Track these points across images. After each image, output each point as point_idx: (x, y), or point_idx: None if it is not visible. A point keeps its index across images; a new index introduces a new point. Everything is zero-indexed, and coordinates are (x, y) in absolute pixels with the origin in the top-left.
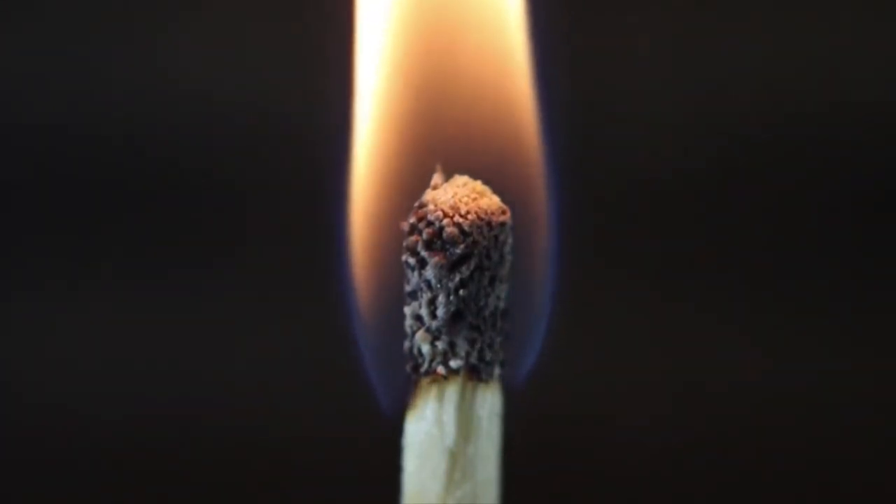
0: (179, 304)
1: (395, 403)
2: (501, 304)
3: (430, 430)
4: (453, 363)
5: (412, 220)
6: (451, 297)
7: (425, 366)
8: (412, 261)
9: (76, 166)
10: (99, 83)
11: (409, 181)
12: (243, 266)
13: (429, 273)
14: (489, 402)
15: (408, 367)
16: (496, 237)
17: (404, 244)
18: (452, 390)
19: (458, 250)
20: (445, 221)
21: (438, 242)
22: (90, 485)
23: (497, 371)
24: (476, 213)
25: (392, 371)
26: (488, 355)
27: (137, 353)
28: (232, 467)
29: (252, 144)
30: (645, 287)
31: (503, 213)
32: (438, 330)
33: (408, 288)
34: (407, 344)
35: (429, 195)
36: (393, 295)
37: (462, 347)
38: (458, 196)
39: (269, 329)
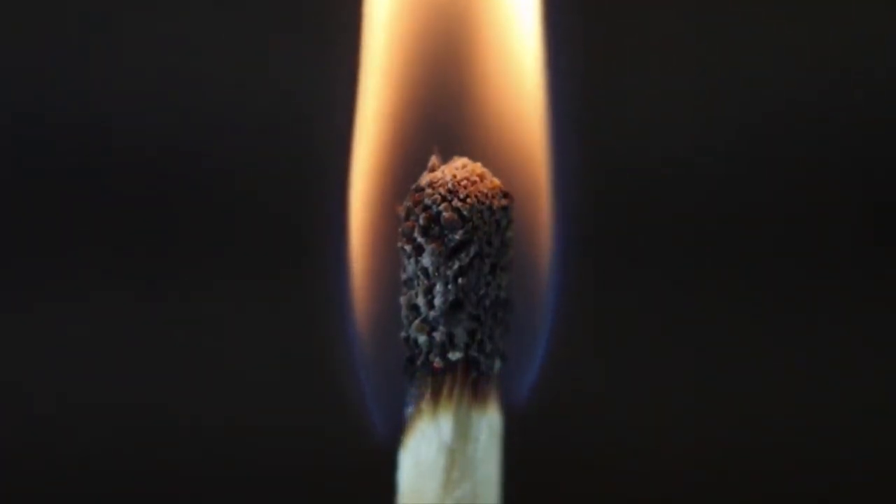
0: (166, 314)
1: (391, 404)
2: (503, 294)
3: (425, 428)
4: (451, 355)
5: (408, 204)
6: (450, 286)
7: (422, 358)
8: (408, 247)
9: (65, 164)
10: (87, 79)
11: (406, 163)
12: (234, 266)
13: (426, 260)
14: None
15: (404, 359)
16: (497, 222)
17: (400, 230)
18: (449, 397)
19: (457, 236)
20: (443, 206)
21: (436, 228)
22: (65, 483)
23: (497, 364)
24: (476, 196)
25: (387, 371)
26: (488, 347)
27: (120, 361)
28: (224, 471)
29: (244, 136)
30: (651, 290)
31: (505, 196)
32: (436, 320)
33: (404, 276)
34: (403, 334)
35: (426, 178)
36: (389, 285)
37: (461, 339)
38: (456, 179)
39: (263, 327)
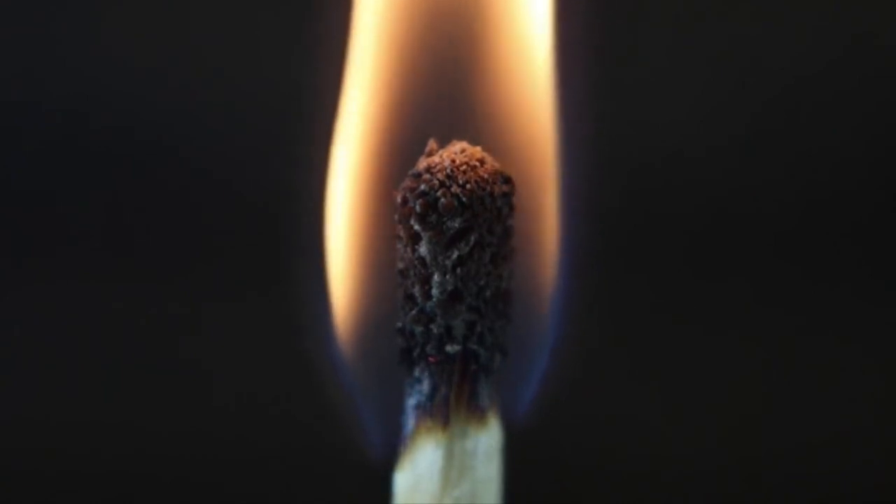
0: (151, 322)
1: (385, 401)
2: (504, 285)
3: (423, 424)
4: (449, 348)
5: (404, 190)
6: (448, 276)
7: (418, 350)
8: (404, 235)
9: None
10: (70, 77)
11: (403, 148)
12: (220, 273)
13: (423, 249)
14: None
15: (399, 351)
16: (499, 209)
17: (396, 217)
18: (447, 391)
19: (456, 224)
20: (441, 192)
21: (434, 215)
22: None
23: (498, 358)
24: (476, 182)
25: (381, 370)
26: (489, 340)
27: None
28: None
29: (230, 133)
30: (654, 293)
31: (506, 182)
32: (433, 312)
33: (400, 265)
34: (398, 325)
35: (423, 162)
36: (385, 275)
37: (459, 331)
38: (455, 163)
39: (250, 334)
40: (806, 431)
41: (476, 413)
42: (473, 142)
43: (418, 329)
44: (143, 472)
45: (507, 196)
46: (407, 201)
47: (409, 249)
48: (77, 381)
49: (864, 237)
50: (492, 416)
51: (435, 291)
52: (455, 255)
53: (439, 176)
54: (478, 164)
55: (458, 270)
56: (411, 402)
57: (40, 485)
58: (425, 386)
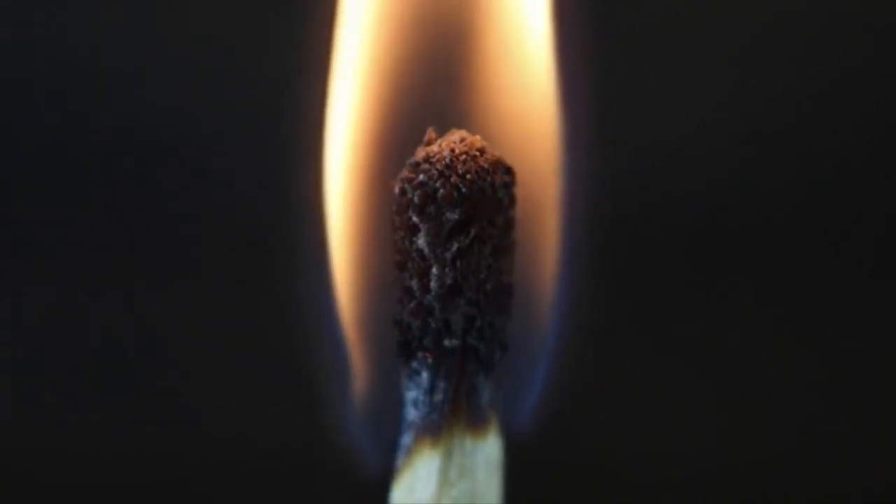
0: (140, 324)
1: (382, 402)
2: (505, 278)
3: (420, 421)
4: (448, 343)
5: (402, 180)
6: (447, 269)
7: (415, 343)
8: (402, 227)
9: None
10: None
11: (401, 138)
12: (210, 277)
13: (421, 241)
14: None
15: (396, 344)
16: (499, 200)
17: (393, 208)
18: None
19: (455, 216)
20: (440, 182)
21: (432, 207)
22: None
23: (498, 355)
24: (476, 172)
25: (377, 369)
26: (488, 335)
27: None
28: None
29: (217, 129)
30: (656, 297)
31: (507, 172)
32: (431, 305)
33: (398, 258)
34: (396, 318)
35: (421, 152)
36: (383, 268)
37: (457, 326)
38: (455, 153)
39: (255, 330)
40: (806, 431)
41: (475, 411)
42: (473, 131)
43: (416, 323)
44: (143, 472)
45: (508, 186)
46: (405, 192)
47: (407, 241)
48: (77, 382)
49: (864, 237)
50: (492, 425)
51: (433, 285)
52: (454, 247)
53: (438, 166)
54: (478, 153)
55: (458, 263)
56: (409, 396)
57: (40, 485)
58: (424, 380)
